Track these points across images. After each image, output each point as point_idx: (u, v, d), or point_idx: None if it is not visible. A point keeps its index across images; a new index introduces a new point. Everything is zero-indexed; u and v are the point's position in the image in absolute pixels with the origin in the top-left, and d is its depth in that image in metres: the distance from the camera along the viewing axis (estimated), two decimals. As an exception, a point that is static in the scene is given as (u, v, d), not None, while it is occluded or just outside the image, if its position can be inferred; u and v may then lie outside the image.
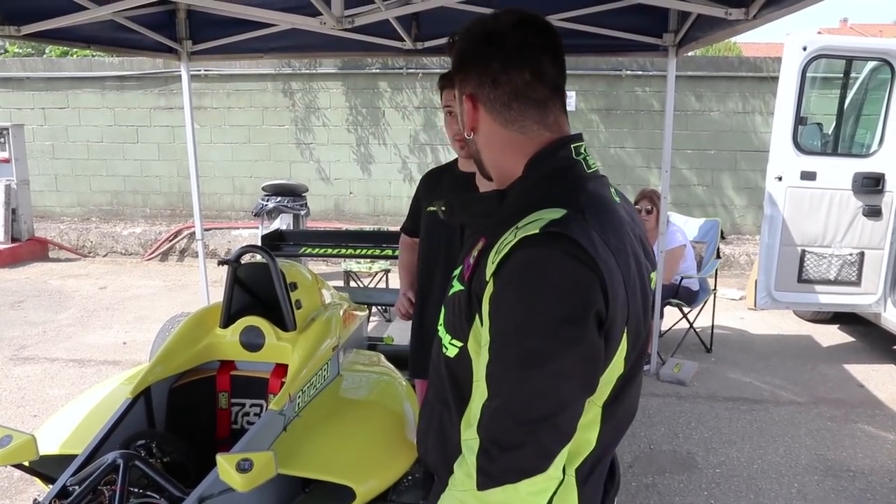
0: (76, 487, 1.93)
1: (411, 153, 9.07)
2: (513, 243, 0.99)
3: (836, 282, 4.89)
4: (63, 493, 1.95)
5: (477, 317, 1.05)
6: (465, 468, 0.99)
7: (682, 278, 4.98)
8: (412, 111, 8.98)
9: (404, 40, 4.31)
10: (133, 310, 6.37)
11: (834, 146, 5.30)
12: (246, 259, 2.87)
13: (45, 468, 2.23)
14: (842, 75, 5.34)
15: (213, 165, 9.17)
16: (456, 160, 2.56)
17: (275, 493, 2.20)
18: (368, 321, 4.66)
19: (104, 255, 8.93)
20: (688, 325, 5.20)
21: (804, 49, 4.58)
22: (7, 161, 8.37)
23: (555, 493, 1.00)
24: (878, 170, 4.72)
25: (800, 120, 4.72)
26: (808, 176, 4.75)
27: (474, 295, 1.06)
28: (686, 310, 5.12)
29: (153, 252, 8.79)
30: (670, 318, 5.29)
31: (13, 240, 8.40)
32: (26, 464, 2.09)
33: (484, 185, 2.26)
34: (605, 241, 1.00)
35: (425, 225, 2.58)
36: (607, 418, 1.07)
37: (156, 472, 1.96)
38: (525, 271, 0.97)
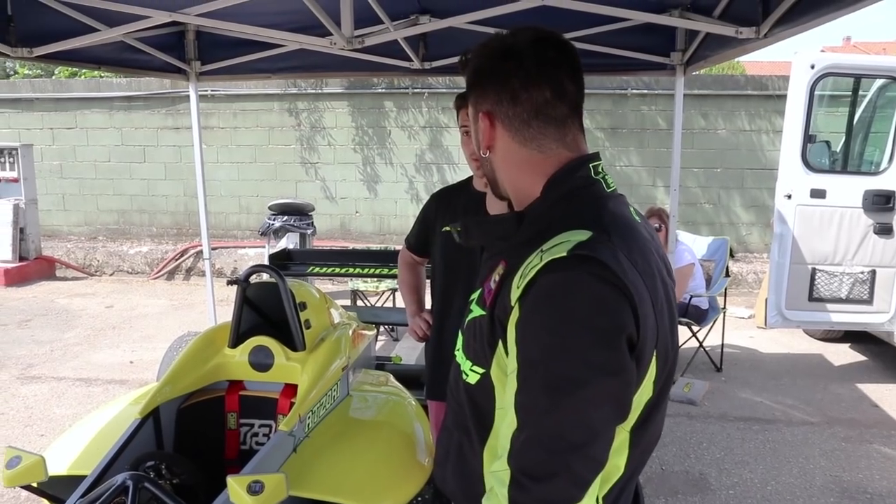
0: (85, 510, 1.90)
1: (417, 173, 9.09)
2: (539, 267, 0.96)
3: (847, 300, 4.84)
4: (72, 515, 1.93)
5: (500, 343, 1.03)
6: (496, 501, 0.96)
7: (692, 297, 4.96)
8: (418, 131, 9.01)
9: (412, 60, 4.33)
10: (140, 329, 6.36)
11: (843, 164, 5.28)
12: (254, 279, 2.86)
13: (53, 489, 2.20)
14: (850, 93, 5.33)
15: (219, 185, 9.20)
16: (470, 179, 2.54)
17: (285, 515, 2.17)
18: (376, 340, 4.63)
19: (111, 274, 8.94)
20: (697, 344, 5.16)
21: (812, 67, 4.58)
22: (16, 181, 8.43)
23: None
24: (888, 187, 4.69)
25: (808, 138, 4.71)
26: (818, 194, 4.73)
27: (497, 320, 1.03)
28: (695, 329, 5.08)
29: (160, 271, 8.80)
30: (680, 337, 5.24)
31: (21, 259, 8.43)
32: (35, 485, 2.06)
33: (494, 207, 2.24)
34: (632, 263, 0.98)
35: (442, 245, 2.52)
36: (635, 443, 1.04)
37: (165, 493, 1.93)
38: (553, 296, 0.94)
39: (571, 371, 0.91)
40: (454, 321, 2.38)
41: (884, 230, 4.70)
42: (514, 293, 0.98)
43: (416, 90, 8.84)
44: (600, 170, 1.12)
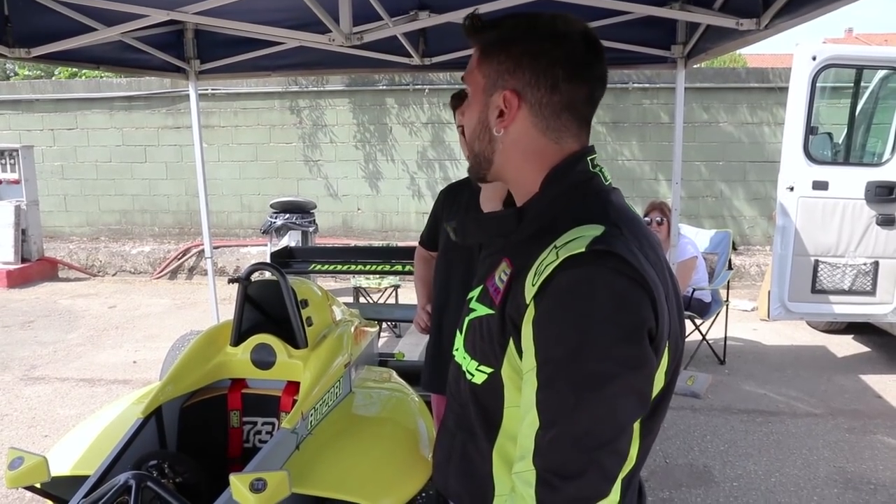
0: (88, 509, 1.91)
1: (419, 169, 9.08)
2: (556, 264, 0.94)
3: (850, 292, 4.83)
4: (75, 515, 1.93)
5: (511, 342, 1.01)
6: (521, 502, 0.94)
7: (694, 290, 4.95)
8: (420, 127, 8.99)
9: (412, 56, 4.32)
10: (143, 328, 6.37)
11: (845, 155, 5.26)
12: (256, 277, 2.86)
13: (56, 490, 2.20)
14: (852, 84, 5.31)
15: (220, 184, 9.20)
16: None
17: (289, 512, 2.17)
18: (379, 337, 4.63)
19: (113, 275, 8.95)
20: (700, 337, 5.16)
21: (814, 59, 4.56)
22: (17, 182, 8.43)
23: None
24: (891, 178, 4.68)
25: (810, 130, 4.69)
26: (820, 186, 4.72)
27: (509, 319, 1.01)
28: (698, 322, 5.07)
29: (162, 271, 8.81)
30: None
31: (23, 260, 8.44)
32: (38, 485, 2.07)
33: (487, 204, 2.24)
34: (645, 256, 0.98)
35: (444, 241, 2.60)
36: (645, 434, 1.03)
37: (168, 492, 1.93)
38: (575, 292, 0.93)
39: (598, 367, 0.91)
40: (452, 315, 2.41)
41: (886, 221, 4.69)
42: (529, 291, 0.97)
43: (417, 86, 8.83)
44: (597, 163, 1.11)
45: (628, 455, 0.96)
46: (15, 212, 8.33)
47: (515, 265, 1.04)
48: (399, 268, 4.97)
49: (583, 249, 0.93)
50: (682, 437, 3.98)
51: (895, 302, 4.81)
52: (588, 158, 1.10)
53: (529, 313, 0.96)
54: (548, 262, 0.96)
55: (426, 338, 2.87)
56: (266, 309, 2.81)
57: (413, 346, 5.38)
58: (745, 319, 6.53)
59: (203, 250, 6.00)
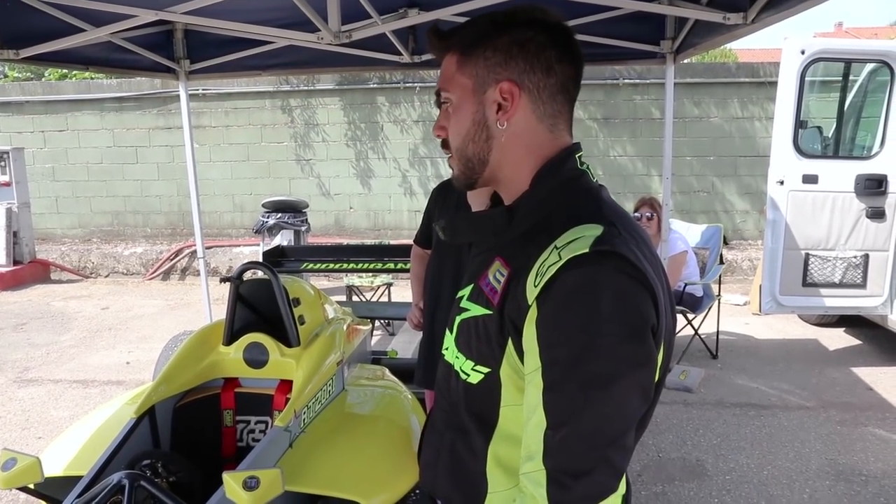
0: (82, 509, 1.91)
1: (411, 167, 9.08)
2: (560, 264, 0.94)
3: (841, 285, 4.86)
4: (69, 515, 1.93)
5: (511, 342, 1.02)
6: (532, 502, 0.95)
7: (686, 285, 4.97)
8: (411, 125, 9.00)
9: (402, 54, 4.32)
10: (136, 329, 6.36)
11: (835, 149, 5.29)
12: (248, 276, 2.86)
13: (50, 490, 2.20)
14: (840, 78, 5.34)
15: (212, 184, 9.19)
16: None
17: (282, 510, 2.17)
18: (372, 335, 4.63)
19: (106, 276, 8.93)
20: (693, 332, 5.18)
21: (802, 53, 4.58)
22: (8, 184, 8.40)
23: None
24: (880, 171, 4.71)
25: (800, 123, 4.72)
26: (810, 179, 4.74)
27: (508, 319, 1.01)
28: (690, 316, 5.10)
29: (155, 271, 8.79)
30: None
31: (15, 262, 8.41)
32: (31, 486, 2.07)
33: (476, 202, 2.24)
34: (642, 254, 0.99)
35: (436, 238, 2.63)
36: (638, 426, 1.04)
37: (162, 491, 1.93)
38: (580, 292, 0.94)
39: (605, 366, 0.92)
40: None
41: (876, 214, 4.72)
42: (532, 292, 0.97)
43: (407, 84, 8.83)
44: (584, 160, 1.12)
45: (633, 448, 0.98)
46: (6, 214, 8.31)
47: (512, 265, 1.04)
48: (391, 266, 4.97)
49: (587, 250, 0.94)
50: (675, 432, 4.00)
51: (885, 294, 4.85)
52: (576, 156, 1.11)
53: (532, 314, 0.97)
54: (550, 262, 0.96)
55: (419, 335, 2.88)
56: (258, 308, 2.81)
57: (406, 343, 5.37)
58: (738, 314, 6.56)
59: (195, 251, 5.99)
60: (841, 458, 3.67)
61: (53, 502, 2.20)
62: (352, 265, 5.09)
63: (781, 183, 4.77)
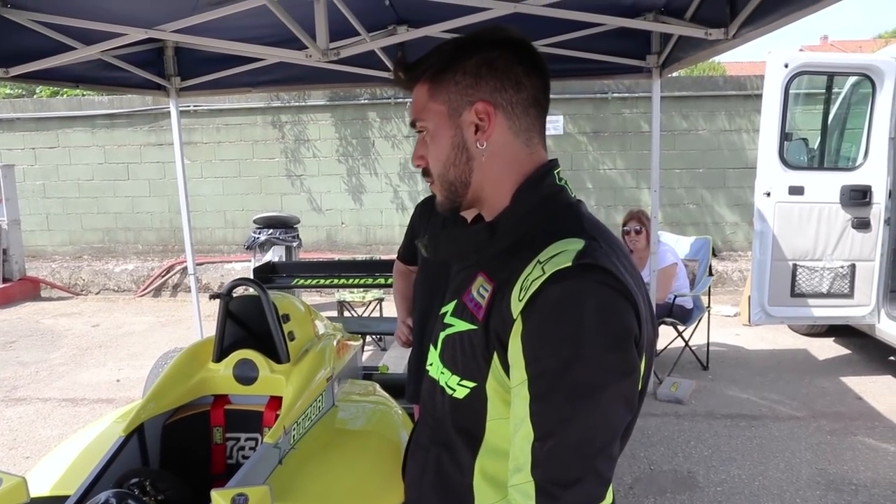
0: (69, 529, 1.90)
1: (402, 182, 9.11)
2: (544, 278, 0.96)
3: (829, 295, 4.90)
4: (56, 535, 1.92)
5: (496, 356, 1.03)
6: None
7: (676, 297, 4.99)
8: (402, 140, 9.04)
9: (391, 70, 4.35)
10: (126, 347, 6.33)
11: (820, 160, 5.35)
12: (238, 292, 2.86)
13: (37, 511, 2.19)
14: (824, 91, 5.41)
15: (204, 200, 9.19)
16: None
17: (272, 527, 2.17)
18: (363, 351, 4.63)
19: (97, 293, 8.89)
20: (683, 344, 5.20)
21: (786, 66, 4.65)
22: (-2, 202, 8.38)
23: None
24: (864, 182, 4.76)
25: (785, 136, 4.77)
26: (796, 191, 4.79)
27: (494, 334, 1.03)
28: (681, 328, 5.12)
29: (146, 288, 8.76)
30: (665, 337, 5.28)
31: (5, 280, 8.38)
32: (18, 507, 2.05)
33: (470, 215, 2.26)
34: (623, 266, 1.01)
35: (419, 254, 2.61)
36: (622, 436, 1.05)
37: (150, 510, 1.93)
38: (564, 305, 0.95)
39: (591, 377, 0.93)
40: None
41: (861, 224, 4.76)
42: (516, 306, 0.98)
43: (398, 100, 8.88)
44: (561, 176, 1.14)
45: (618, 456, 1.00)
46: (-4, 232, 8.28)
47: (496, 280, 1.05)
48: (382, 281, 4.98)
49: (570, 263, 0.96)
50: (667, 444, 4.01)
51: (872, 303, 4.88)
52: (555, 172, 1.13)
53: (517, 328, 0.98)
54: (534, 277, 0.97)
55: (410, 351, 2.88)
56: (248, 324, 2.80)
57: (397, 359, 5.37)
58: (728, 325, 6.58)
59: (186, 267, 5.99)
60: (831, 468, 3.69)
61: (41, 522, 2.19)
62: (343, 280, 5.10)
63: (768, 195, 4.81)
